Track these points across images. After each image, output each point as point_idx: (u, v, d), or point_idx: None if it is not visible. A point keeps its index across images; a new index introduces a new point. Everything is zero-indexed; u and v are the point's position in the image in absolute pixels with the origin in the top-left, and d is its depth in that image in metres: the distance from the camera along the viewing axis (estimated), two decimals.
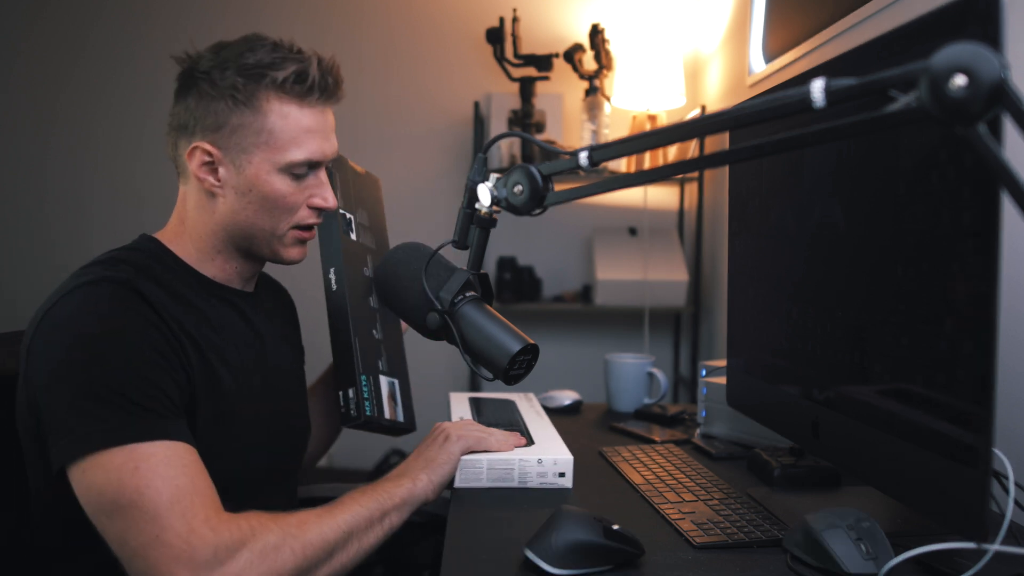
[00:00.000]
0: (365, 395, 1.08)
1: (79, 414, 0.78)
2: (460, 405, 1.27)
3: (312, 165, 0.95)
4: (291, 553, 0.77)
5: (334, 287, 1.12)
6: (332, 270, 1.13)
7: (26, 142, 2.87)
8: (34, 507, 0.89)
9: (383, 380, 1.15)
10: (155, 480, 0.75)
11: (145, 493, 0.74)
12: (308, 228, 0.99)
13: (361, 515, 0.85)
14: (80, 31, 2.84)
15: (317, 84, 0.92)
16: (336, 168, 1.14)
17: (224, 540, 0.74)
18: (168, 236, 0.98)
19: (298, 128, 0.92)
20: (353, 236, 1.17)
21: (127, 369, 0.80)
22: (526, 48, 2.65)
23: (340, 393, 1.09)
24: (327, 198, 0.97)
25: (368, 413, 1.08)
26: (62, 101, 2.85)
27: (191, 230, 0.97)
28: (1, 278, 2.86)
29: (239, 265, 1.00)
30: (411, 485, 0.91)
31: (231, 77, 0.89)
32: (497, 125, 2.64)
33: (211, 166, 0.92)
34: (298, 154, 0.92)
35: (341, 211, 1.15)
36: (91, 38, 2.84)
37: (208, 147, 0.91)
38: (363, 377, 1.09)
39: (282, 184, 0.93)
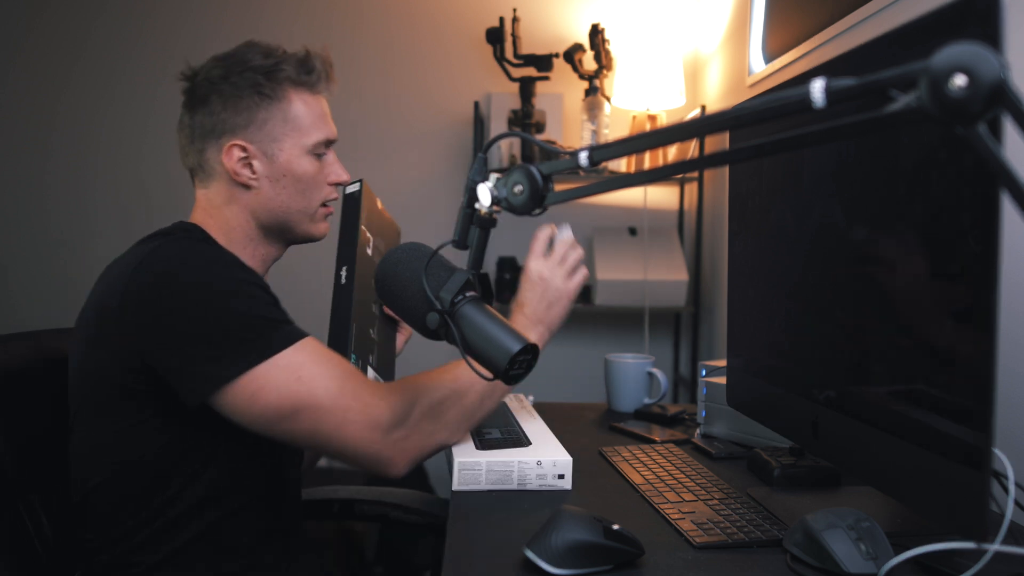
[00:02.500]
0: None
1: (223, 341, 0.85)
2: None
3: (328, 144, 1.07)
4: (451, 405, 0.95)
5: (343, 281, 1.13)
6: (344, 268, 1.14)
7: (27, 142, 2.86)
8: (87, 475, 0.92)
9: (370, 372, 1.15)
10: (319, 379, 0.87)
11: (317, 392, 0.86)
12: (331, 203, 1.10)
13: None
14: (80, 31, 2.84)
15: (321, 73, 1.05)
16: (364, 198, 1.17)
17: (397, 403, 0.90)
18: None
19: (314, 113, 1.04)
20: (369, 251, 1.19)
21: (248, 291, 0.89)
22: (526, 48, 2.64)
23: None
24: (341, 173, 1.09)
25: None
26: (62, 101, 2.85)
27: (221, 224, 1.03)
28: (2, 279, 2.85)
29: (265, 252, 1.07)
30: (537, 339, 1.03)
31: (251, 76, 0.99)
32: (497, 125, 2.64)
33: (245, 161, 1.01)
34: (319, 135, 1.04)
35: (363, 228, 1.17)
36: (91, 38, 2.84)
37: (242, 143, 1.00)
38: (353, 356, 1.09)
39: (309, 165, 1.04)
